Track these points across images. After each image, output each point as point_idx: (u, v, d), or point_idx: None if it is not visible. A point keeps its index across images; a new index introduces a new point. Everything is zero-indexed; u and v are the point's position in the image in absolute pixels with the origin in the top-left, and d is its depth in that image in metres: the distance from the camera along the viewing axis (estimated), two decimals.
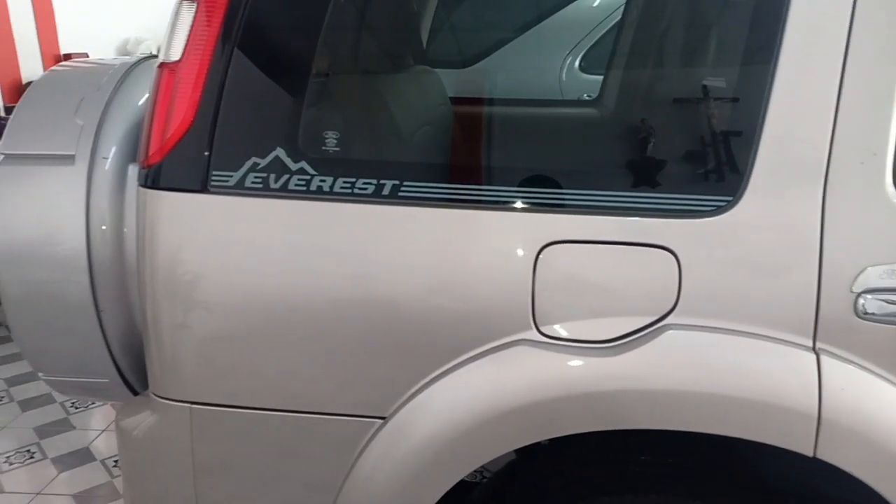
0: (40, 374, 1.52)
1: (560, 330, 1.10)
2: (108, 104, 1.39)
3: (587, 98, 2.98)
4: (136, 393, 1.50)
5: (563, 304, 1.10)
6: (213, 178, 1.16)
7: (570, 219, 1.09)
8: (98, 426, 2.85)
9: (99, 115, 1.37)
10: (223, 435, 1.23)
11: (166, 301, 1.20)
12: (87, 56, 5.81)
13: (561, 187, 1.11)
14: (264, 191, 1.15)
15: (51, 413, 2.95)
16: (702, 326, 1.07)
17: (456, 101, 1.56)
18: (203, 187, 1.16)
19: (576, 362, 1.08)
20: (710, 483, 1.19)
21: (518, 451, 1.25)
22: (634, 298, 1.09)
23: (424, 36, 2.29)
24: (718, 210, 1.06)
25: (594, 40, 3.36)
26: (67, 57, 5.67)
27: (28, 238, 1.35)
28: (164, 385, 1.25)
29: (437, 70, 1.94)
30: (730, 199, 1.06)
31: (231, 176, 1.16)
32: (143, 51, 6.16)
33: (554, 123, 1.53)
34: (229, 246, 1.17)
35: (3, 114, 4.36)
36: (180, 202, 1.18)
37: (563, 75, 3.45)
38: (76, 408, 2.99)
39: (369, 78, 1.42)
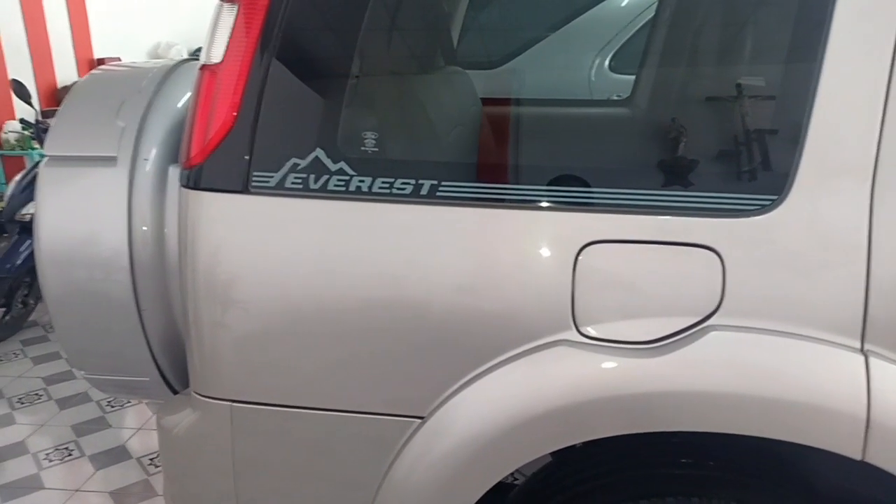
0: (81, 373, 1.55)
1: (601, 330, 1.09)
2: (148, 106, 1.41)
3: (617, 98, 2.96)
4: (175, 391, 1.52)
5: (604, 305, 1.09)
6: (254, 178, 1.17)
7: (610, 218, 1.09)
8: (133, 425, 2.89)
9: (140, 118, 1.39)
10: (263, 433, 1.24)
11: (207, 300, 1.22)
12: (120, 60, 5.91)
13: (601, 187, 1.10)
14: (304, 191, 1.16)
15: (87, 411, 3.01)
16: (746, 327, 1.05)
17: (490, 101, 1.56)
18: (244, 188, 1.17)
19: (617, 363, 1.07)
20: (754, 487, 1.17)
21: (554, 453, 1.24)
22: (677, 299, 1.07)
23: (455, 37, 2.29)
24: (763, 209, 1.04)
25: (624, 40, 3.33)
26: (101, 62, 5.77)
27: (71, 238, 1.37)
28: (205, 383, 1.26)
29: (468, 71, 1.95)
30: (775, 197, 1.04)
31: (272, 177, 1.17)
32: (173, 55, 6.25)
33: (590, 123, 1.52)
34: (270, 246, 1.18)
35: (39, 117, 4.45)
36: (221, 203, 1.19)
37: (593, 75, 3.43)
38: (112, 406, 3.04)
39: (405, 79, 1.42)
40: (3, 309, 3.69)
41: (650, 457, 1.23)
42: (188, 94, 1.50)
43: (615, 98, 2.93)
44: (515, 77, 2.59)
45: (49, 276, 1.40)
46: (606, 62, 3.42)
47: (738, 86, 1.14)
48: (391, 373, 1.17)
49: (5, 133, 4.94)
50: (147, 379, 1.48)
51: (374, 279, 1.15)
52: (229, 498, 1.30)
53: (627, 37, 3.30)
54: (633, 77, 2.25)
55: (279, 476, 1.26)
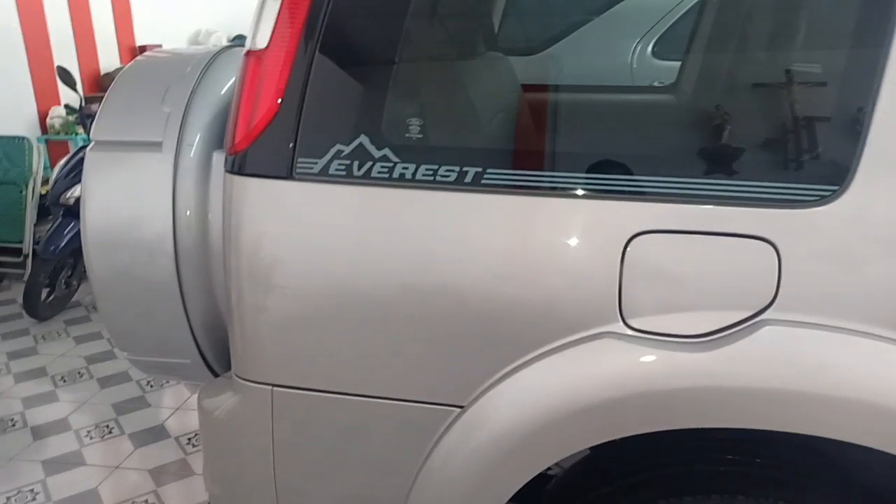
0: (125, 354, 1.57)
1: (649, 323, 1.06)
2: (193, 92, 1.42)
3: (660, 84, 2.90)
4: (215, 374, 1.54)
5: (653, 297, 1.06)
6: (299, 164, 1.16)
7: (662, 208, 1.06)
8: (171, 405, 2.95)
9: (184, 103, 1.40)
10: (302, 417, 1.24)
11: (250, 285, 1.22)
12: (161, 47, 5.99)
13: (653, 175, 1.07)
14: (348, 178, 1.15)
15: (127, 391, 3.07)
16: (802, 322, 1.02)
17: (535, 88, 1.53)
18: (289, 174, 1.17)
19: (666, 357, 1.05)
20: (802, 487, 1.14)
21: (593, 446, 1.22)
22: (730, 292, 1.04)
23: (496, 22, 2.26)
24: (823, 200, 1.00)
25: (668, 25, 3.26)
26: (143, 49, 5.85)
27: (116, 222, 1.39)
28: (247, 367, 1.27)
29: (509, 57, 1.92)
30: (836, 188, 1.00)
31: (316, 163, 1.16)
32: (213, 42, 6.31)
33: (639, 109, 1.48)
34: (313, 232, 1.18)
35: (83, 103, 4.53)
36: (266, 188, 1.19)
37: (635, 61, 3.37)
38: (151, 386, 3.10)
39: (449, 65, 1.40)
40: (48, 289, 3.78)
41: (694, 452, 1.21)
42: (231, 81, 1.50)
43: (658, 84, 2.87)
44: (559, 63, 2.54)
45: (95, 258, 1.42)
46: (649, 48, 3.35)
47: (798, 71, 1.09)
48: (432, 361, 1.16)
49: (51, 118, 5.04)
50: (188, 361, 1.50)
51: (417, 267, 1.14)
52: (268, 480, 1.31)
53: (672, 22, 3.23)
54: (677, 63, 2.20)
55: (317, 460, 1.27)
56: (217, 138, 1.42)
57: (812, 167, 1.05)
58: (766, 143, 1.09)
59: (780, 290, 1.03)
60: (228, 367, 1.51)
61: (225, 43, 6.30)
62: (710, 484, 1.15)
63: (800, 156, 1.07)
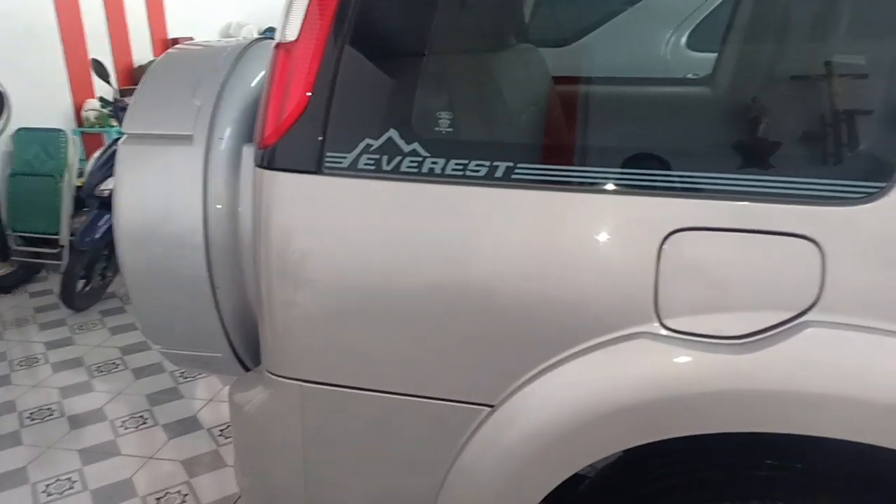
0: (157, 347, 1.58)
1: (686, 323, 1.03)
2: (223, 85, 1.41)
3: (694, 76, 2.83)
4: (247, 368, 1.54)
5: (691, 296, 1.03)
6: (328, 159, 1.15)
7: (700, 204, 1.02)
8: (204, 396, 2.98)
9: (215, 97, 1.40)
10: (332, 413, 1.24)
11: (280, 281, 1.22)
12: (193, 40, 6.04)
13: (690, 170, 1.04)
14: (377, 172, 1.13)
15: (161, 382, 3.11)
16: (846, 324, 0.98)
17: (567, 80, 1.50)
18: (318, 168, 1.16)
19: (704, 358, 1.02)
20: (845, 495, 1.10)
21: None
22: (770, 292, 1.01)
23: (526, 13, 2.23)
24: (870, 197, 0.96)
25: (704, 15, 3.19)
26: (175, 41, 5.91)
27: (148, 215, 1.39)
28: (277, 363, 1.27)
29: (540, 49, 1.88)
30: (882, 185, 0.96)
31: (345, 157, 1.15)
32: (244, 34, 6.35)
33: (675, 102, 1.44)
34: (342, 227, 1.17)
35: (117, 96, 4.59)
36: (295, 183, 1.18)
37: (668, 52, 3.30)
38: (184, 378, 3.14)
39: (480, 57, 1.38)
40: (83, 280, 3.85)
41: (733, 455, 1.17)
42: (262, 73, 1.49)
43: (693, 76, 2.81)
44: (591, 54, 2.50)
45: (127, 251, 1.43)
46: (683, 39, 3.28)
47: (842, 63, 1.05)
48: (462, 359, 1.14)
49: (85, 111, 5.12)
50: (220, 355, 1.50)
51: (446, 263, 1.12)
52: (298, 475, 1.31)
53: (708, 12, 3.15)
54: (713, 54, 2.15)
55: (346, 456, 1.26)
56: (247, 131, 1.41)
57: (857, 163, 1.01)
58: (810, 138, 1.05)
59: (824, 290, 0.99)
60: (259, 362, 1.51)
61: (256, 35, 6.33)
62: (750, 489, 1.12)
63: (844, 151, 1.03)
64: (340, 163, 1.15)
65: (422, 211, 1.13)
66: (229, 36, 6.41)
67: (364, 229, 1.15)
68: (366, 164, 1.14)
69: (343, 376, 1.21)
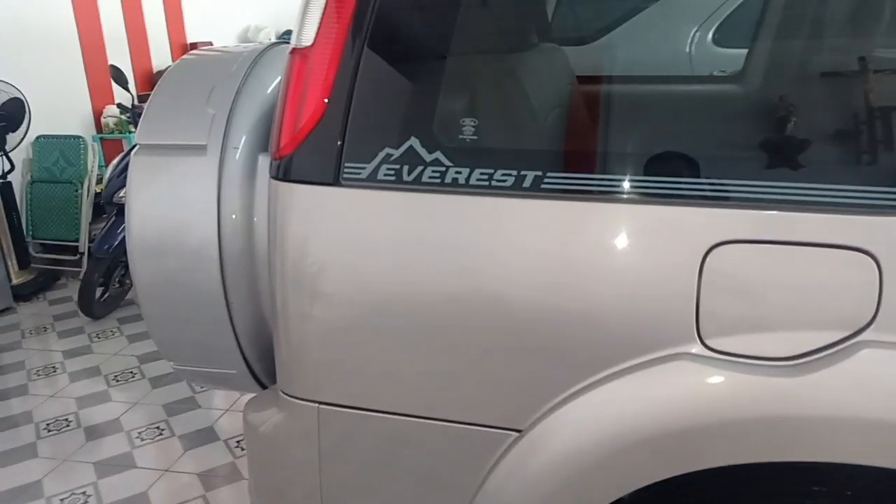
0: (171, 364, 1.54)
1: (731, 343, 0.96)
2: (238, 93, 1.37)
3: (723, 73, 2.74)
4: (263, 385, 1.49)
5: (735, 314, 0.96)
6: (346, 170, 1.09)
7: (745, 215, 0.95)
8: (221, 406, 2.94)
9: (230, 104, 1.35)
10: (351, 437, 1.18)
11: (296, 298, 1.16)
12: (212, 44, 6.04)
13: (735, 178, 0.96)
14: (398, 183, 1.07)
15: (178, 391, 3.08)
16: None
17: (596, 80, 1.43)
18: (335, 180, 1.10)
19: (750, 381, 0.94)
20: None
21: None
22: (823, 310, 0.93)
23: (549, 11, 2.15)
24: None
25: (731, 10, 3.10)
26: (193, 46, 5.91)
27: (161, 228, 1.35)
28: (292, 383, 1.21)
29: (563, 47, 1.81)
30: None
31: (364, 168, 1.09)
32: (262, 38, 6.34)
33: (717, 104, 1.36)
34: (362, 243, 1.10)
35: (136, 102, 4.58)
36: (312, 195, 1.13)
37: (693, 49, 3.21)
38: (201, 387, 3.10)
39: (504, 60, 1.31)
40: (102, 288, 3.83)
41: (776, 482, 1.10)
42: (278, 79, 1.44)
43: (721, 73, 2.72)
44: (620, 53, 2.42)
45: (139, 264, 1.39)
46: (710, 35, 3.19)
47: None
48: (489, 382, 1.07)
49: (105, 117, 5.13)
50: (234, 372, 1.46)
51: (471, 278, 1.05)
52: (314, 498, 1.25)
53: (735, 6, 3.06)
54: (742, 51, 2.06)
55: (365, 481, 1.20)
56: (263, 140, 1.36)
57: None
58: (865, 143, 0.97)
59: (881, 307, 0.91)
60: (276, 379, 1.46)
61: (274, 39, 6.32)
62: None
63: None
64: (359, 174, 1.09)
65: (445, 224, 1.07)
66: (247, 39, 6.41)
67: (384, 245, 1.09)
68: (385, 175, 1.08)
69: (361, 398, 1.15)
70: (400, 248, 1.09)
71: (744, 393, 0.95)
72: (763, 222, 0.94)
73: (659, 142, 1.04)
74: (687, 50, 3.15)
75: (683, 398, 0.97)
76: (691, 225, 0.97)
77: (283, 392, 1.23)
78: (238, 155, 1.34)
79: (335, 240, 1.12)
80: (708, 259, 0.95)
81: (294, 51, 1.15)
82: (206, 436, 2.72)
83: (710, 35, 3.23)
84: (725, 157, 1.01)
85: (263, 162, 1.34)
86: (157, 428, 2.80)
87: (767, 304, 0.95)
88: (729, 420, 0.95)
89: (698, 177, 0.98)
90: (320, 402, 1.17)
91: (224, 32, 6.38)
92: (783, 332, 0.94)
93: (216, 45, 6.05)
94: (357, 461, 1.18)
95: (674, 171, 0.99)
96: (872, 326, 0.92)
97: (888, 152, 0.96)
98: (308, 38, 1.12)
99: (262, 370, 1.46)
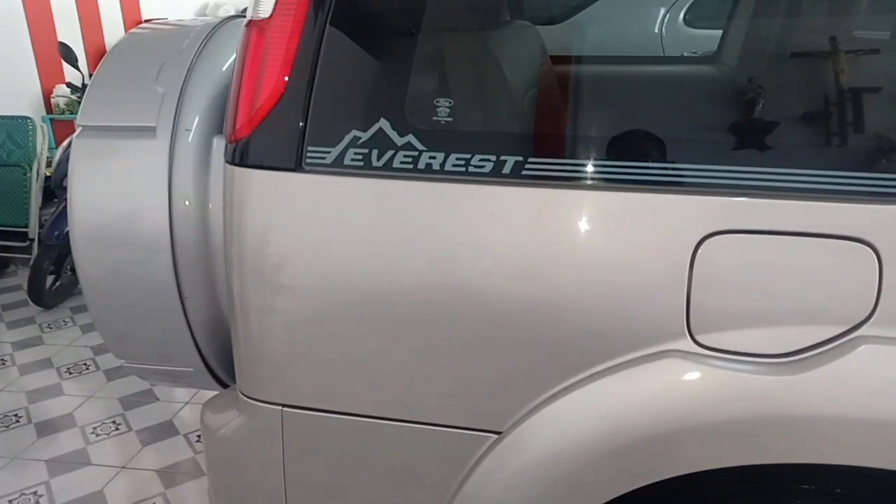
0: (122, 362, 1.44)
1: (722, 340, 0.90)
2: (190, 70, 1.26)
3: (694, 54, 2.70)
4: (222, 382, 1.40)
5: (727, 309, 0.90)
6: (309, 154, 1.01)
7: (737, 203, 0.89)
8: (181, 399, 2.82)
9: (181, 83, 1.25)
10: (319, 442, 1.10)
11: (256, 293, 1.07)
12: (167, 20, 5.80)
13: (727, 164, 0.90)
14: (366, 169, 0.99)
15: (135, 384, 2.95)
16: None
17: (574, 60, 1.35)
18: (297, 165, 1.01)
19: (743, 379, 0.89)
20: None
21: None
22: (819, 303, 0.88)
23: None
24: None
25: None
26: (148, 22, 5.67)
27: (107, 217, 1.25)
28: (253, 385, 1.12)
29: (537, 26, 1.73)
30: None
31: (328, 152, 1.00)
32: (222, 15, 6.12)
33: (705, 87, 1.29)
34: (327, 233, 1.02)
35: (87, 81, 4.38)
36: (272, 182, 1.04)
37: (664, 30, 3.17)
38: None
39: (480, 37, 1.23)
40: (53, 276, 3.66)
41: (761, 482, 1.05)
42: (228, 58, 1.34)
43: (694, 54, 2.67)
44: (588, 32, 2.35)
45: (84, 257, 1.29)
46: (681, 16, 3.15)
47: None
48: (468, 380, 1.01)
49: (55, 97, 4.90)
50: (190, 369, 1.37)
51: (446, 273, 0.98)
52: (278, 503, 1.18)
53: None
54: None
55: (335, 488, 1.13)
56: (218, 122, 1.27)
57: None
58: (863, 128, 0.92)
59: (880, 301, 0.86)
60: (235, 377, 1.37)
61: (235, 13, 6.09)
62: None
63: None
64: (324, 158, 1.00)
65: (417, 213, 0.99)
66: (205, 16, 6.18)
67: (351, 234, 1.01)
68: (353, 160, 0.99)
69: (329, 400, 1.07)
70: (368, 238, 1.01)
71: (736, 392, 0.89)
72: (755, 211, 0.88)
73: (648, 127, 0.97)
74: (655, 31, 3.10)
75: (673, 397, 0.91)
76: (681, 214, 0.91)
77: (243, 394, 1.14)
78: (191, 137, 1.24)
79: (297, 230, 1.04)
80: (699, 251, 0.90)
81: (250, 23, 1.05)
82: (166, 430, 2.61)
83: (681, 16, 3.19)
84: (717, 142, 0.94)
85: (219, 145, 1.24)
86: (114, 422, 2.67)
87: (761, 298, 0.89)
88: (719, 420, 0.90)
89: (689, 163, 0.91)
90: (283, 405, 1.09)
91: (181, 9, 6.14)
92: (777, 327, 0.89)
93: (164, 20, 5.82)
94: (324, 464, 1.11)
95: (662, 156, 0.93)
96: (871, 321, 0.87)
97: (884, 139, 0.90)
98: (265, 9, 1.02)
99: (220, 367, 1.37)
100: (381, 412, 1.04)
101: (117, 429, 2.63)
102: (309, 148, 1.00)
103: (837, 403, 0.87)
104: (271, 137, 1.03)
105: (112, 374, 3.04)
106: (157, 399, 2.83)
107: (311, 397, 1.08)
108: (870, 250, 0.86)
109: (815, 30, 1.07)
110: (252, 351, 1.10)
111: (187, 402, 2.79)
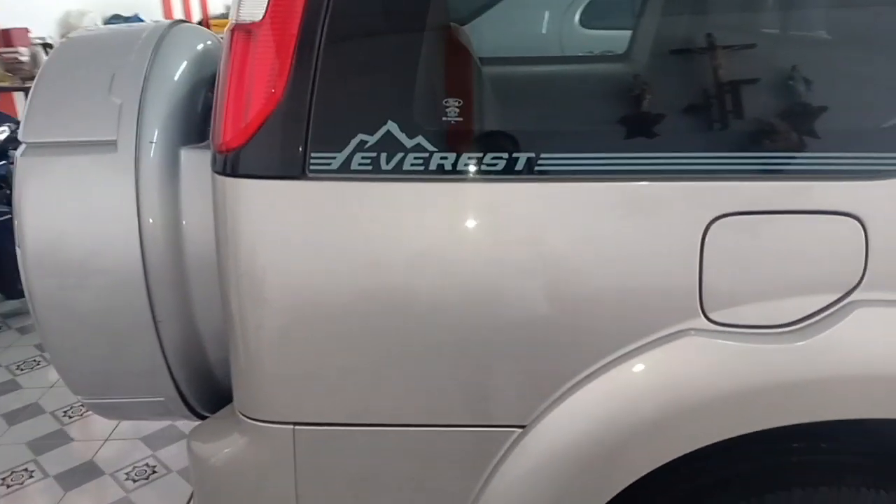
0: (79, 398, 1.32)
1: (734, 315, 0.96)
2: (147, 79, 1.18)
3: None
4: (194, 411, 1.32)
5: (736, 286, 0.96)
6: (313, 160, 0.97)
7: (741, 187, 0.95)
8: (100, 436, 2.61)
9: (139, 92, 1.16)
10: (337, 461, 1.06)
11: (257, 308, 1.02)
12: (28, 31, 5.35)
13: (729, 151, 0.96)
14: (375, 173, 0.97)
15: (42, 425, 2.70)
16: (893, 301, 0.95)
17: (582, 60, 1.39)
18: (301, 172, 0.97)
19: (758, 350, 0.95)
20: (881, 468, 1.09)
21: None
22: (815, 274, 0.96)
23: None
24: None
25: None
26: (6, 33, 5.19)
27: (65, 242, 1.15)
28: (258, 404, 1.07)
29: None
30: None
31: (334, 157, 0.97)
32: (87, 23, 5.70)
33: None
34: (334, 241, 0.99)
35: None
36: (272, 191, 0.99)
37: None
38: (70, 417, 2.75)
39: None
40: None
41: (756, 447, 1.12)
42: (184, 64, 1.27)
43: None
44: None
45: (39, 286, 1.17)
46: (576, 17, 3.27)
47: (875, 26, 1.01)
48: (488, 378, 1.01)
49: None
50: (161, 399, 1.28)
51: (464, 272, 0.98)
52: None
53: None
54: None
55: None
56: (180, 133, 1.20)
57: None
58: (848, 109, 1.01)
59: (868, 268, 0.95)
60: (210, 404, 1.31)
61: (100, 24, 5.70)
62: (788, 478, 1.08)
63: (886, 122, 1.00)
64: (329, 164, 0.97)
65: (432, 216, 0.98)
66: (69, 25, 5.73)
67: (360, 242, 0.98)
68: (361, 165, 0.97)
69: (348, 413, 1.03)
70: (380, 246, 0.99)
71: (753, 361, 0.96)
72: (756, 193, 0.95)
73: (653, 118, 1.02)
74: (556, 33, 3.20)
75: (697, 374, 0.97)
76: (690, 200, 0.96)
77: (245, 415, 1.08)
78: (153, 151, 1.16)
79: (302, 240, 1.00)
80: (709, 233, 0.95)
81: (236, 28, 1.00)
82: (89, 471, 2.41)
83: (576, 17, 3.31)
84: (718, 131, 1.00)
85: (188, 157, 1.17)
86: (25, 470, 2.43)
87: (765, 273, 0.96)
88: (742, 390, 0.96)
89: (695, 152, 0.97)
90: (295, 423, 1.05)
91: (41, 18, 5.66)
92: (781, 299, 0.96)
93: (34, 32, 5.37)
94: (344, 483, 1.07)
95: (669, 146, 0.98)
96: (861, 287, 0.95)
97: (867, 119, 1.00)
98: (255, 11, 0.97)
99: (192, 394, 1.29)
100: (405, 419, 1.03)
101: (31, 477, 2.40)
102: (313, 154, 0.97)
103: (842, 363, 0.95)
104: (269, 145, 0.98)
105: (12, 418, 2.76)
106: (72, 439, 2.61)
107: (327, 412, 1.04)
108: (856, 223, 0.94)
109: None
110: (257, 369, 1.05)
111: (107, 439, 2.59)
